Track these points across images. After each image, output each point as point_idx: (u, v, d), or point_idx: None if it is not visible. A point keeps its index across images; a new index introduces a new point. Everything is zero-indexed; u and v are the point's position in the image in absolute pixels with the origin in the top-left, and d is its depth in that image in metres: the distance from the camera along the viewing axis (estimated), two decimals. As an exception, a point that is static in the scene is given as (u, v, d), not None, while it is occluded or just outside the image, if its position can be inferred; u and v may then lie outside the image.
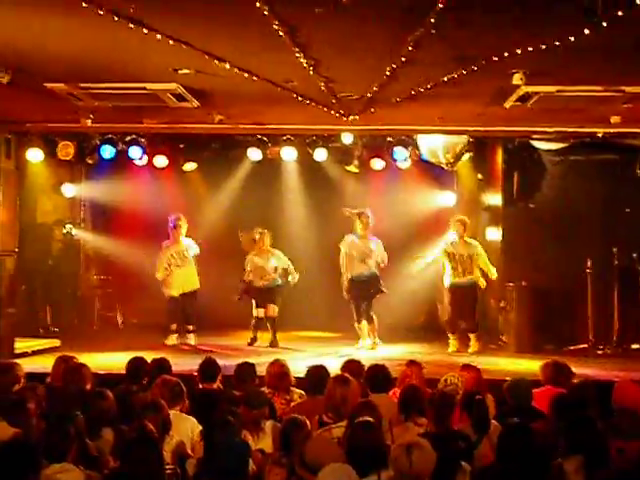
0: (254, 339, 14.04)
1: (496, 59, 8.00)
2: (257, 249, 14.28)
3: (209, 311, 15.18)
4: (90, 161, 15.01)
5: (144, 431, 6.06)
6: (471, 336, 13.50)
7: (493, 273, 13.65)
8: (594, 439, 6.00)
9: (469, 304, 13.62)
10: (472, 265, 13.57)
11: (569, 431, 6.07)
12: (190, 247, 14.31)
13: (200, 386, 8.57)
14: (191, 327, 14.18)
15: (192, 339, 14.05)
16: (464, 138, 14.02)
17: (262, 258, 14.24)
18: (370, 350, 13.31)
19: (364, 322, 13.62)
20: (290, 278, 14.25)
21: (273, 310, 14.11)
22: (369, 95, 9.82)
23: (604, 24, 6.52)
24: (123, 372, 8.87)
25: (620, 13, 6.43)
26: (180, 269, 14.19)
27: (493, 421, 7.16)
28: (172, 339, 14.01)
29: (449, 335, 13.63)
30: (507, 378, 8.53)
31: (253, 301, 14.24)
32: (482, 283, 13.64)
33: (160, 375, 8.09)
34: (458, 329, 13.66)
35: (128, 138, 14.43)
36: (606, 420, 7.09)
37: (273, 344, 13.87)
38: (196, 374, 8.82)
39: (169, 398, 7.29)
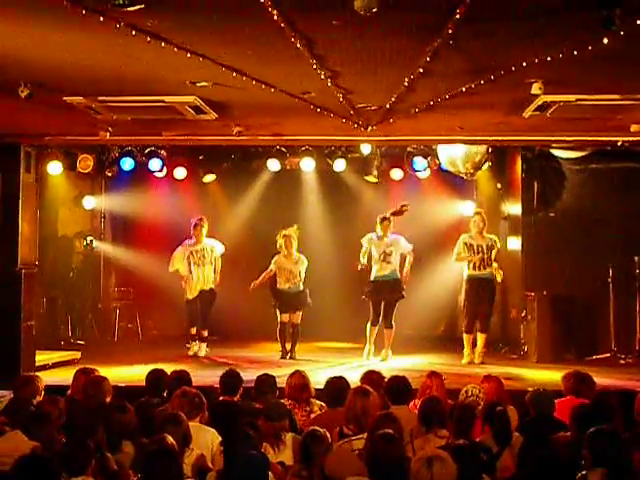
0: (285, 351, 13.80)
1: (514, 69, 7.98)
2: (285, 251, 14.03)
3: (228, 322, 15.23)
4: (110, 173, 15.17)
5: (164, 444, 6.06)
6: (479, 338, 13.33)
7: (500, 274, 13.39)
8: (617, 451, 5.95)
9: (486, 297, 13.42)
10: (491, 257, 13.32)
11: (591, 443, 6.02)
12: (213, 247, 14.23)
13: (221, 398, 8.55)
14: (205, 333, 14.12)
15: (203, 349, 13.97)
16: (483, 147, 14.02)
17: (290, 261, 14.09)
18: (381, 362, 13.13)
19: (379, 327, 13.43)
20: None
21: (298, 317, 13.99)
22: (387, 106, 9.81)
23: (622, 33, 6.48)
24: (143, 384, 8.87)
25: (639, 22, 6.41)
26: (199, 268, 14.13)
27: (515, 432, 7.13)
28: (194, 347, 13.98)
29: (464, 336, 13.44)
30: (529, 388, 8.48)
31: (277, 308, 14.02)
32: (500, 276, 13.36)
33: (180, 387, 8.10)
34: (473, 329, 13.46)
35: (147, 150, 14.56)
36: (629, 430, 7.06)
37: (291, 356, 13.78)
38: (217, 386, 8.80)
39: (188, 409, 7.28)
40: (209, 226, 14.41)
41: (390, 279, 13.46)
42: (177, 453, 6.06)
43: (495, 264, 13.32)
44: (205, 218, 14.25)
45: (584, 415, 7.13)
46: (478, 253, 13.31)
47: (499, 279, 13.40)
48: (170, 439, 6.21)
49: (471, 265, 13.36)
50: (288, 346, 13.81)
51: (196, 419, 7.35)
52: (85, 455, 5.86)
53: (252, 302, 15.16)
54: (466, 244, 13.39)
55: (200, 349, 13.96)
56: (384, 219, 13.55)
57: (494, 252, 13.33)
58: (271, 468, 5.97)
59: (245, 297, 15.14)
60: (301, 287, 14.06)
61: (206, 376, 10.78)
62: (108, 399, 8.19)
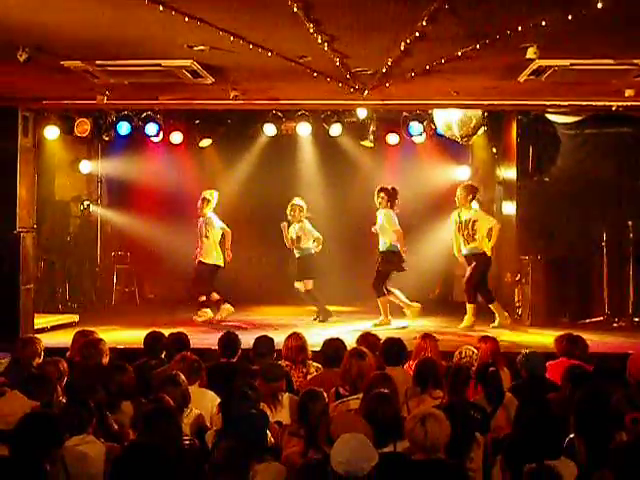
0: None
1: (510, 33, 8.02)
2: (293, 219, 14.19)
3: (229, 286, 15.29)
4: (106, 138, 15.17)
5: (162, 404, 6.14)
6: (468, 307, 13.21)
7: (487, 246, 13.10)
8: (604, 413, 6.04)
9: (469, 274, 13.26)
10: (474, 233, 13.07)
11: (578, 405, 6.11)
12: (210, 222, 14.20)
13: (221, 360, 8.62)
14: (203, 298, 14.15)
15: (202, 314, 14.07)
16: (479, 112, 14.05)
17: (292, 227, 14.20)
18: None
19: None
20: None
21: (303, 285, 14.13)
22: (384, 70, 9.84)
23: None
24: (141, 346, 8.96)
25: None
26: (204, 239, 14.21)
27: (508, 393, 7.24)
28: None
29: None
30: (522, 351, 8.55)
31: None
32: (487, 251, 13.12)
33: (178, 349, 8.19)
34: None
35: (144, 115, 14.56)
36: (621, 391, 7.16)
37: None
38: (215, 348, 8.89)
39: (188, 374, 7.31)
40: (206, 189, 14.43)
41: (381, 252, 13.54)
42: (174, 412, 6.14)
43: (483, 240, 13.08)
44: (211, 192, 14.27)
45: (577, 376, 7.24)
46: (463, 230, 13.19)
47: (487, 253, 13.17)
48: (167, 398, 6.30)
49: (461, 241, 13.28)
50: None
51: (195, 384, 7.42)
52: (86, 414, 5.94)
53: (252, 266, 15.28)
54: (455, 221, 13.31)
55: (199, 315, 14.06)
56: (380, 190, 13.48)
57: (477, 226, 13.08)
58: (268, 427, 6.06)
59: (244, 261, 15.26)
60: (302, 253, 14.18)
61: (204, 338, 10.88)
62: (105, 360, 8.28)
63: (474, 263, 13.16)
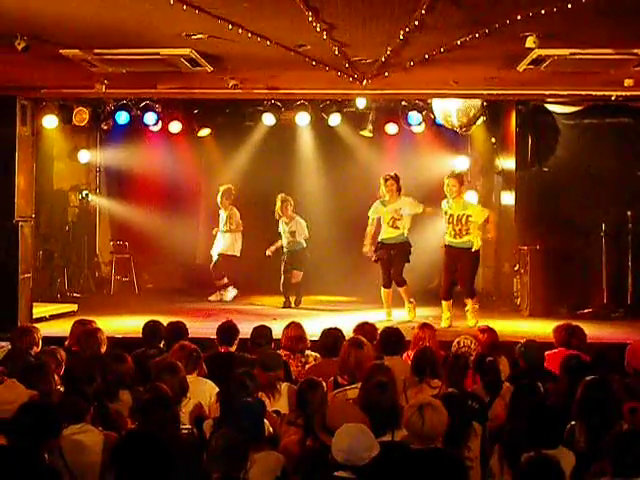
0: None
1: (509, 22, 7.99)
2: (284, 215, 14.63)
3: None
4: (105, 127, 15.17)
5: (159, 392, 6.14)
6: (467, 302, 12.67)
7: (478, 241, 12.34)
8: (608, 401, 6.06)
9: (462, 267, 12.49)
10: (467, 228, 12.26)
11: (584, 392, 6.13)
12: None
13: (219, 349, 8.62)
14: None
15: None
16: (478, 102, 14.01)
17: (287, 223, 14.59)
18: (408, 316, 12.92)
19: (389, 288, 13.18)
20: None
21: (296, 276, 14.49)
22: (383, 59, 9.81)
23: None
24: (140, 336, 8.95)
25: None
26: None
27: (506, 383, 7.24)
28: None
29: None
30: (521, 341, 8.55)
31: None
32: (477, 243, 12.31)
33: (177, 338, 8.19)
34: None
35: (142, 104, 14.56)
36: (619, 381, 7.17)
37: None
38: (213, 337, 8.89)
39: (187, 363, 7.33)
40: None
41: (395, 242, 13.03)
42: (172, 400, 6.15)
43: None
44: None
45: (575, 366, 7.25)
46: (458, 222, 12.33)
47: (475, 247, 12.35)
48: (164, 387, 6.30)
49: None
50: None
51: (194, 373, 7.41)
52: (84, 403, 5.95)
53: (250, 256, 15.26)
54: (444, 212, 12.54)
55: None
56: (386, 179, 12.97)
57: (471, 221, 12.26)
58: (266, 416, 6.06)
59: (242, 250, 15.29)
60: (297, 247, 14.58)
61: (202, 328, 10.87)
62: (103, 349, 8.29)
63: (467, 259, 12.42)
